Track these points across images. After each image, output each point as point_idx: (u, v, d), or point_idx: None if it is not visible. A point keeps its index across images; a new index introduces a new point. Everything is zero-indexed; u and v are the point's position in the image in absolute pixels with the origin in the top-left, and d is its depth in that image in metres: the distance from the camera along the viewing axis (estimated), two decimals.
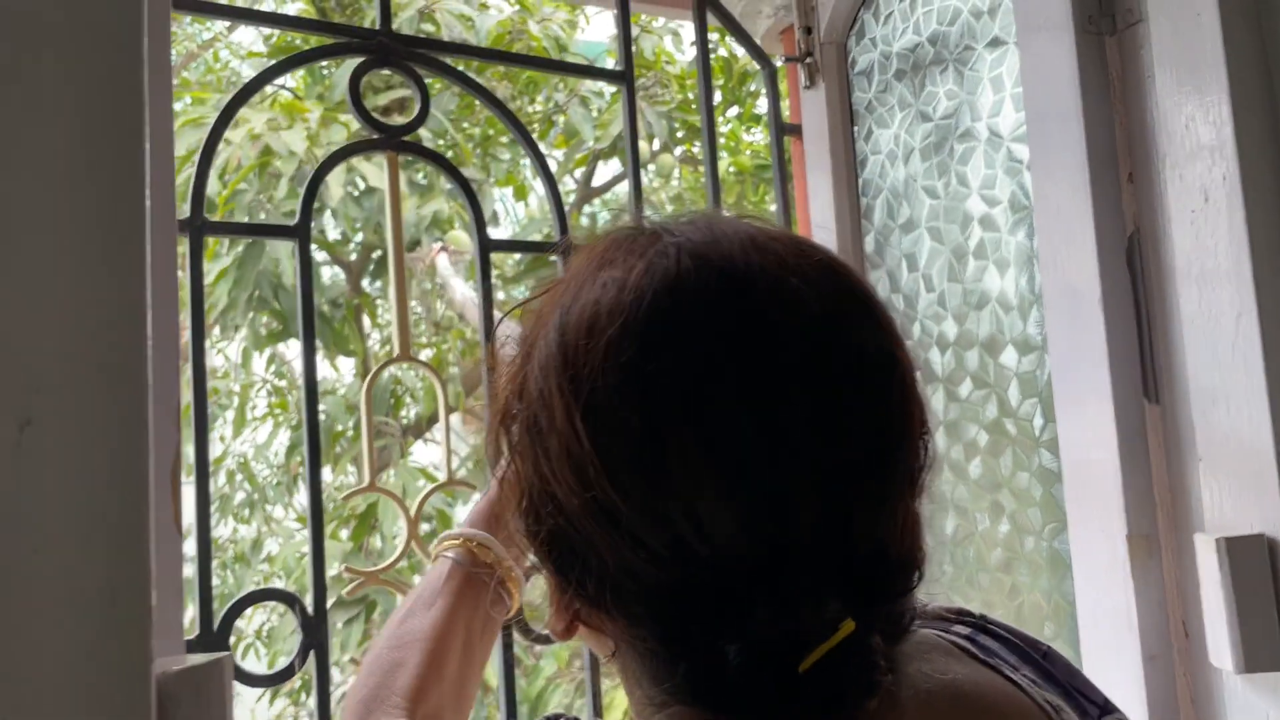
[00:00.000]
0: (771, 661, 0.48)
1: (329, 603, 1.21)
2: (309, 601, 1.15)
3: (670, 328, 0.51)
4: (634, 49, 1.47)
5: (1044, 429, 1.28)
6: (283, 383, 5.57)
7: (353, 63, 1.27)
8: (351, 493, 1.73)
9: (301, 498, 5.11)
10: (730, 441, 0.49)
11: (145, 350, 0.55)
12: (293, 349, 5.31)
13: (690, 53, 5.01)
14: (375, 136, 1.28)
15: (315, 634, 1.15)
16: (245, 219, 4.21)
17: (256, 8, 5.22)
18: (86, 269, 0.54)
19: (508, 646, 1.25)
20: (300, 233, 1.21)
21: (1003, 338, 1.33)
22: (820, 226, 1.55)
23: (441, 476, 1.33)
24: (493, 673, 2.96)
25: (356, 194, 4.60)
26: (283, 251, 4.13)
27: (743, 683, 0.49)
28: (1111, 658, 1.17)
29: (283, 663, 1.17)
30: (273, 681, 1.23)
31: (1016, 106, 1.30)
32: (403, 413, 5.23)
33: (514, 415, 0.58)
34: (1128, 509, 1.15)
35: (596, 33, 5.29)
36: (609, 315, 0.52)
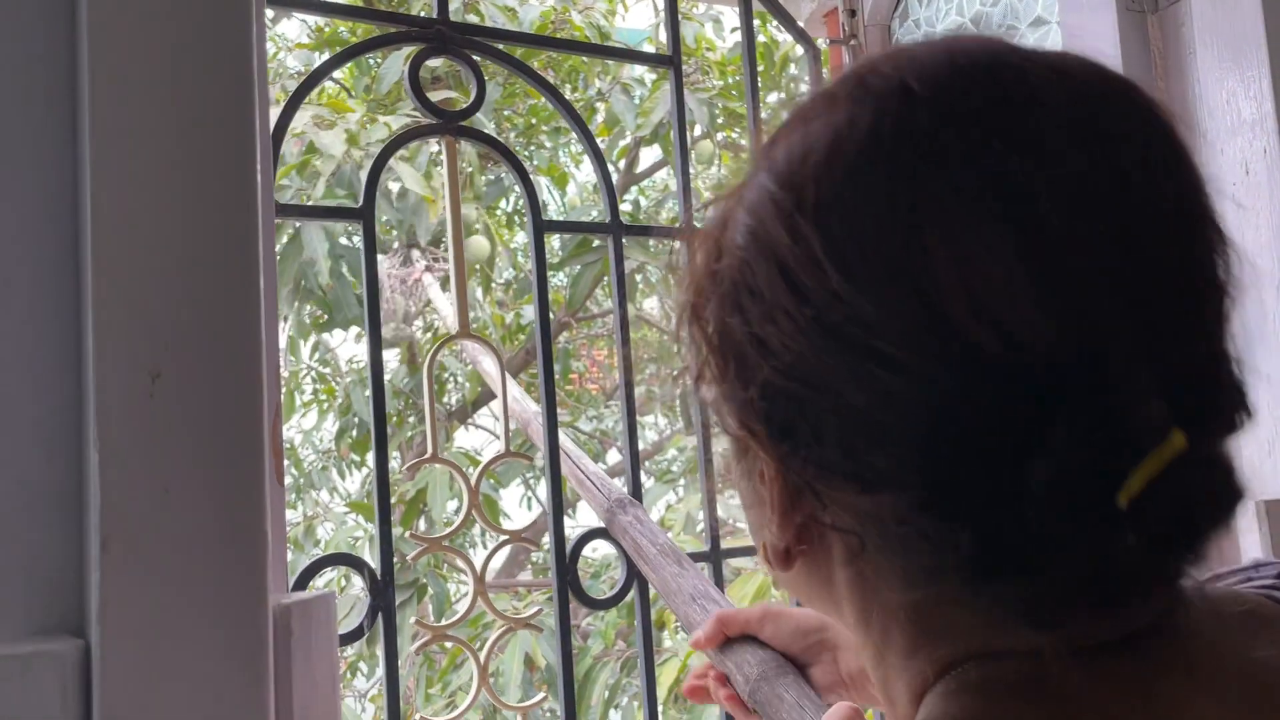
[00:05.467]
0: (1089, 485, 0.36)
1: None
2: (377, 567, 1.21)
3: (939, 118, 0.40)
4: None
5: None
6: (327, 370, 5.68)
7: (406, 51, 1.32)
8: (414, 463, 1.80)
9: (349, 484, 5.22)
10: (1026, 204, 0.38)
11: (259, 311, 0.60)
12: (337, 337, 5.43)
13: (731, 39, 5.03)
14: (433, 122, 1.33)
15: (383, 596, 1.21)
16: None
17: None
18: (209, 244, 0.60)
19: (565, 623, 1.29)
20: (365, 214, 1.26)
21: None
22: None
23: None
24: (549, 649, 3.00)
25: (393, 196, 4.66)
26: (320, 250, 4.22)
27: (1049, 530, 0.37)
28: None
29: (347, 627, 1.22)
30: (343, 641, 1.28)
31: None
32: (445, 398, 5.31)
33: (707, 299, 0.46)
34: None
35: (636, 19, 5.33)
36: (844, 139, 0.41)
